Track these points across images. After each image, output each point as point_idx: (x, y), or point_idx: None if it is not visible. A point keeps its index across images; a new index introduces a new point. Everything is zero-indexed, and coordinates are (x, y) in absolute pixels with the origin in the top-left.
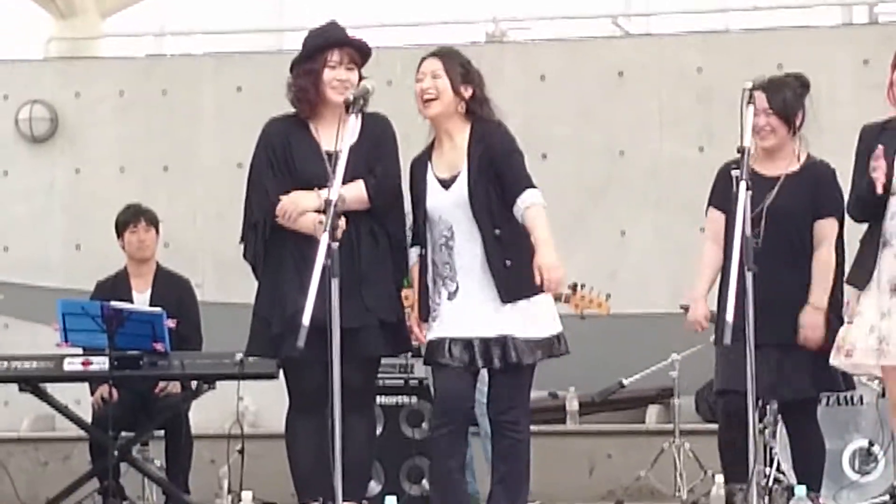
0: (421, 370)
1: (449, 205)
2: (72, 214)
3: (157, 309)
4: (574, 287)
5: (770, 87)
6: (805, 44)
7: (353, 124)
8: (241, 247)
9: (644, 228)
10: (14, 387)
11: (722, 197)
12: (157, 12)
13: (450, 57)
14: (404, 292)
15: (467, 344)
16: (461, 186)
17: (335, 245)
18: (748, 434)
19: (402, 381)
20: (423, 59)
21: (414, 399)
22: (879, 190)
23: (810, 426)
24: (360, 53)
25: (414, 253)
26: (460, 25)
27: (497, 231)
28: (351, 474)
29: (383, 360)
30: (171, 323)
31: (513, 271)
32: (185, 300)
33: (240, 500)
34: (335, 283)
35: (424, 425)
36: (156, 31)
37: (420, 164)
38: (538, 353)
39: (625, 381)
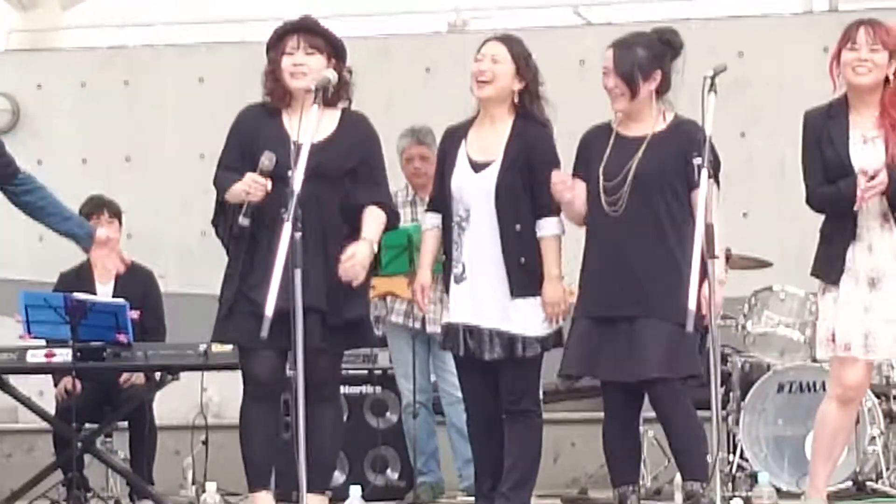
0: (385, 360)
1: (475, 188)
2: None
3: (121, 300)
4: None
5: (619, 45)
6: (766, 31)
7: (316, 114)
8: (204, 238)
9: None
10: None
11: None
12: (118, 3)
13: (513, 45)
14: (373, 281)
15: (476, 331)
16: (491, 175)
17: (298, 235)
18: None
19: (366, 371)
20: (487, 41)
21: (378, 389)
22: (857, 207)
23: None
24: (323, 40)
25: (431, 219)
26: (422, 15)
27: (518, 227)
28: (314, 464)
29: (347, 351)
30: (134, 314)
31: (526, 268)
32: (148, 291)
33: (204, 492)
34: (298, 274)
35: (388, 414)
36: (117, 22)
37: (454, 138)
38: (537, 346)
39: None
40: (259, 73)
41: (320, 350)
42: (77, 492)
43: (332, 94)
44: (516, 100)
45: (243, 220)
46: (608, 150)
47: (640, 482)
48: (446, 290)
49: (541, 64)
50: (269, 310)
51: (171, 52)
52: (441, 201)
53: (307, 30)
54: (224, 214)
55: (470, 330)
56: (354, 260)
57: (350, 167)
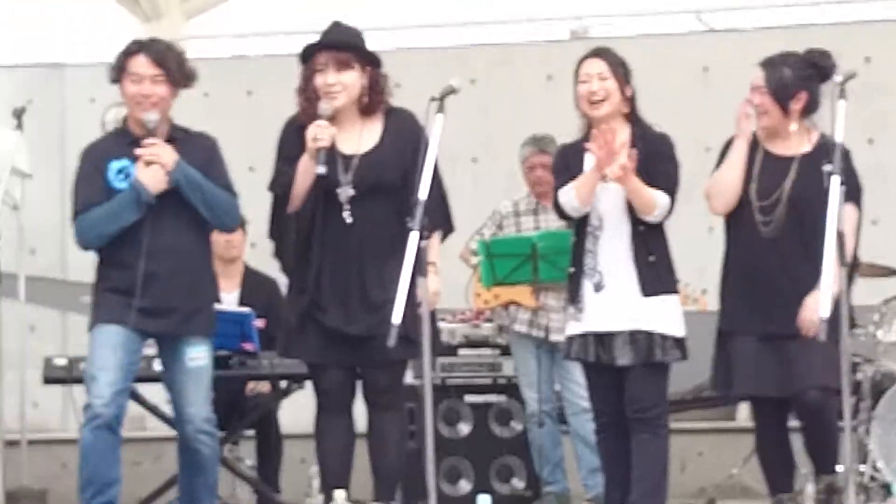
0: (510, 369)
1: (605, 198)
2: None
3: (246, 309)
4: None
5: (769, 64)
6: (893, 37)
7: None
8: None
9: None
10: None
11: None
12: (240, 14)
13: (612, 57)
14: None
15: (611, 340)
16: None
17: (424, 243)
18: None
19: (490, 380)
20: (584, 59)
21: (503, 398)
22: None
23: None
24: (352, 53)
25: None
26: (545, 22)
27: (641, 227)
28: (379, 474)
29: (471, 359)
30: (259, 323)
31: (655, 266)
32: (272, 300)
33: (331, 500)
34: (423, 282)
35: (513, 423)
36: (239, 32)
37: (576, 154)
38: (675, 352)
39: None
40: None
41: (386, 358)
42: None
43: (367, 103)
44: (626, 109)
45: (320, 169)
46: (757, 168)
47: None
48: (571, 300)
49: (663, 70)
50: (397, 318)
51: (293, 62)
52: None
53: (335, 46)
54: (283, 222)
55: (603, 337)
56: (437, 297)
57: (403, 171)
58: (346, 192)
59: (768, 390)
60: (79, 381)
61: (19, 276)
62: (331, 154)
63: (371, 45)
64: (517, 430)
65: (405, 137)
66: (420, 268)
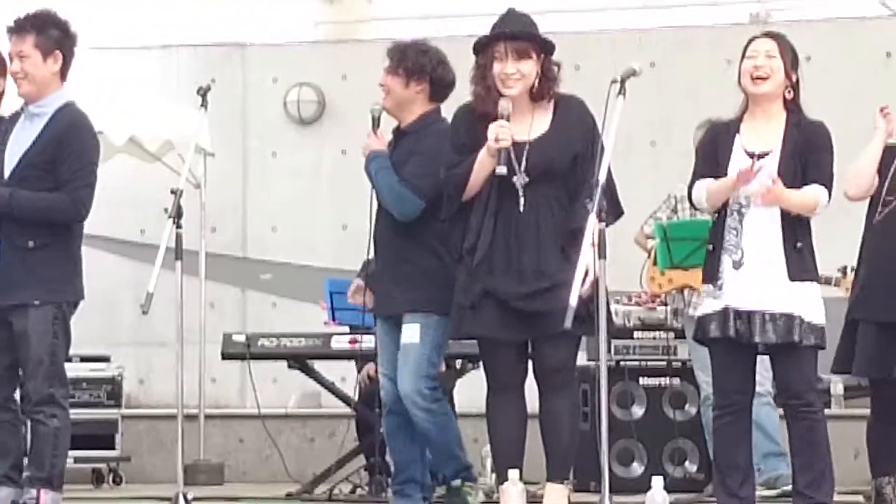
0: (684, 352)
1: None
2: (338, 195)
3: None
4: (843, 270)
5: None
6: None
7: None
8: None
9: None
10: (283, 364)
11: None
12: None
13: (783, 41)
14: (670, 274)
15: (749, 317)
16: (772, 163)
17: (602, 225)
18: None
19: (664, 363)
20: (755, 38)
21: (676, 381)
22: None
23: None
24: (529, 42)
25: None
26: (725, 6)
27: (793, 212)
28: (552, 454)
29: (645, 342)
30: None
31: (801, 252)
32: None
33: (505, 480)
34: (603, 264)
35: (687, 407)
36: (421, 14)
37: (727, 132)
38: (813, 337)
39: None
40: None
41: (560, 335)
42: (379, 476)
43: (537, 90)
44: (789, 95)
45: (501, 169)
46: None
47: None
48: (709, 277)
49: (844, 56)
50: (574, 299)
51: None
52: None
53: (513, 35)
54: (455, 208)
55: (743, 315)
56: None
57: (572, 156)
58: (521, 178)
59: (887, 372)
60: (256, 357)
61: (200, 254)
62: (508, 152)
63: (548, 28)
64: (691, 414)
65: (574, 124)
66: (602, 250)
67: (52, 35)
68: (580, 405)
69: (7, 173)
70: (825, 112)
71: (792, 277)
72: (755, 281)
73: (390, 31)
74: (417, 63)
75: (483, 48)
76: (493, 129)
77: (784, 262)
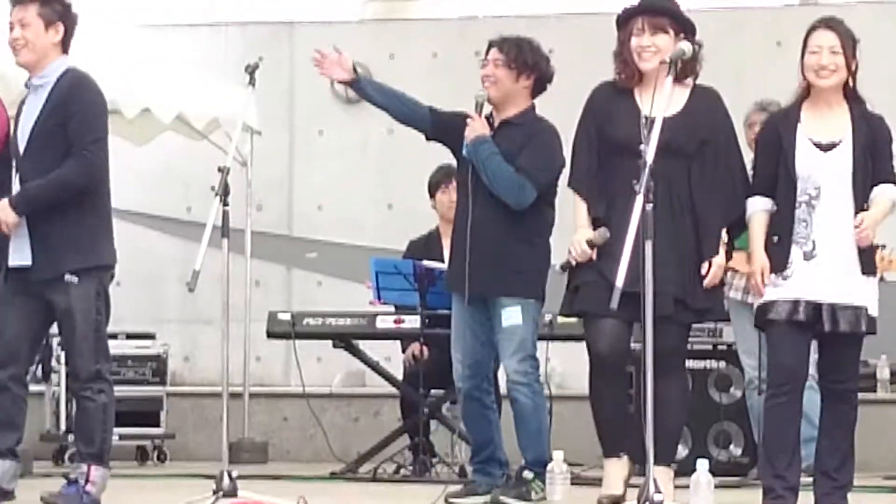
0: (730, 335)
1: (825, 168)
2: (384, 174)
3: None
4: (879, 248)
5: None
6: None
7: (669, 88)
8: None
9: None
10: (328, 343)
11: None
12: None
13: (844, 32)
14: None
15: (817, 307)
16: (844, 155)
17: (650, 207)
18: None
19: (710, 346)
20: (815, 29)
21: (722, 364)
22: None
23: None
24: (669, 18)
25: (763, 203)
26: None
27: (867, 205)
28: (660, 437)
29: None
30: None
31: (871, 246)
32: None
33: (550, 460)
34: (649, 245)
35: (732, 390)
36: None
37: (788, 122)
38: (869, 328)
39: None
40: (606, 44)
41: (669, 319)
42: (423, 456)
43: (680, 69)
44: (850, 83)
45: (561, 269)
46: None
47: None
48: (778, 268)
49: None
50: (620, 280)
51: (521, 24)
52: (770, 182)
53: (652, 11)
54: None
55: (813, 306)
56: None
57: (700, 142)
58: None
59: None
60: (301, 336)
61: (246, 232)
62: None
63: (601, 9)
64: (736, 397)
65: (705, 112)
66: (648, 231)
67: (55, 7)
68: (689, 389)
69: (22, 147)
70: (876, 93)
71: (864, 271)
72: (828, 273)
73: (437, 11)
74: (532, 59)
75: (624, 23)
76: (575, 244)
77: (857, 255)
